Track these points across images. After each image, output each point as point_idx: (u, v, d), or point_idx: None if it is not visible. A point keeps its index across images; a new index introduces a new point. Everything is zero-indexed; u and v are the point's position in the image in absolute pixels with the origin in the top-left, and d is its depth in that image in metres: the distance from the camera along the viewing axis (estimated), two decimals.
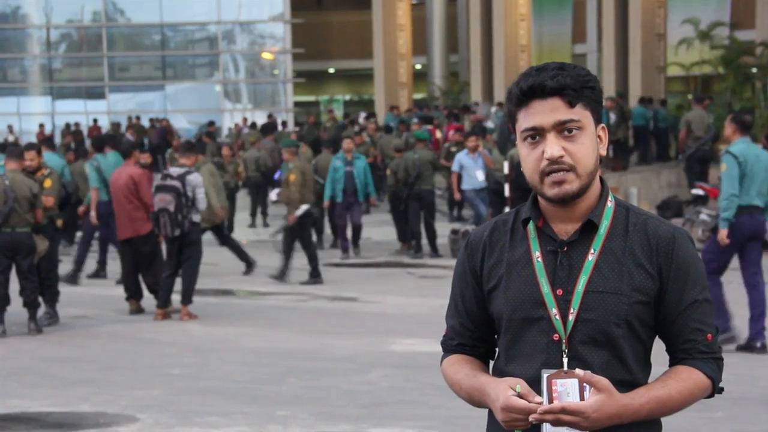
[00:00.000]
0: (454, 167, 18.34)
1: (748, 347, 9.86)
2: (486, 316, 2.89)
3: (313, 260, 15.19)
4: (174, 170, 12.59)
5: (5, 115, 41.10)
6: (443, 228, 19.00)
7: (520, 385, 2.66)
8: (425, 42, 35.68)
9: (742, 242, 9.92)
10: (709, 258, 9.87)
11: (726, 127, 10.20)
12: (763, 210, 9.94)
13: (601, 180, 2.82)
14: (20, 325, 11.76)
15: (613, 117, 24.21)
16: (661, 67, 26.64)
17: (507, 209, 15.43)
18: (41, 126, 36.62)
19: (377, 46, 34.50)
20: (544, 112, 2.70)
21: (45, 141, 19.29)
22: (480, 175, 18.02)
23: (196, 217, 12.53)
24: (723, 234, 9.75)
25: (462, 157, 18.21)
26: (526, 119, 2.73)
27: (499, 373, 2.84)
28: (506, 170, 17.71)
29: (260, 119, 38.64)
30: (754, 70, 23.69)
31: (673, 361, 2.79)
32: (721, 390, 2.81)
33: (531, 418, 2.60)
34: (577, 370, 2.61)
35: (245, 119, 37.12)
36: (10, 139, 32.66)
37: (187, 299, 12.45)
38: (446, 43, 35.28)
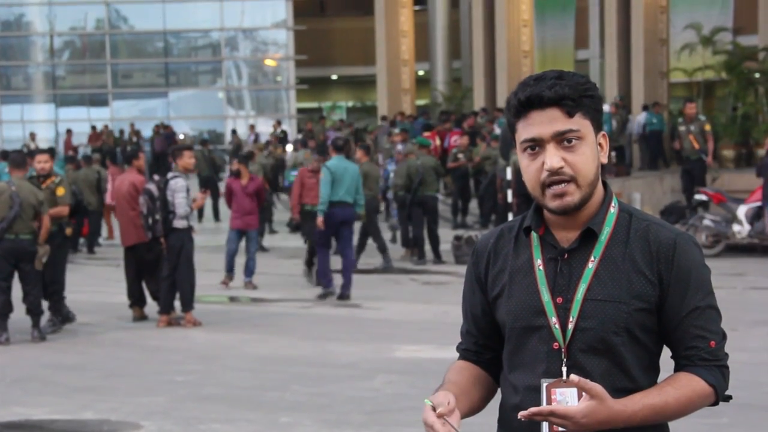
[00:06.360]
0: None
1: None
2: (491, 323, 2.88)
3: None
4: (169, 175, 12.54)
5: (9, 123, 41.15)
6: (446, 234, 18.99)
7: (429, 399, 2.67)
8: (428, 48, 35.69)
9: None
10: None
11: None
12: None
13: (605, 184, 2.80)
14: (23, 332, 11.77)
15: (614, 123, 24.18)
16: (664, 73, 26.61)
17: (510, 216, 15.38)
18: (32, 134, 36.12)
19: (380, 53, 34.49)
20: (543, 123, 2.68)
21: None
22: None
23: (178, 223, 12.19)
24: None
25: None
26: (525, 130, 2.71)
27: (504, 381, 2.84)
28: (509, 176, 17.69)
29: (263, 126, 38.65)
30: (757, 75, 23.65)
31: (677, 368, 2.77)
32: (727, 398, 2.77)
33: (519, 415, 2.60)
34: (572, 376, 2.61)
35: (252, 126, 37.05)
36: (32, 146, 32.63)
37: (186, 306, 12.40)
38: (449, 49, 35.27)
